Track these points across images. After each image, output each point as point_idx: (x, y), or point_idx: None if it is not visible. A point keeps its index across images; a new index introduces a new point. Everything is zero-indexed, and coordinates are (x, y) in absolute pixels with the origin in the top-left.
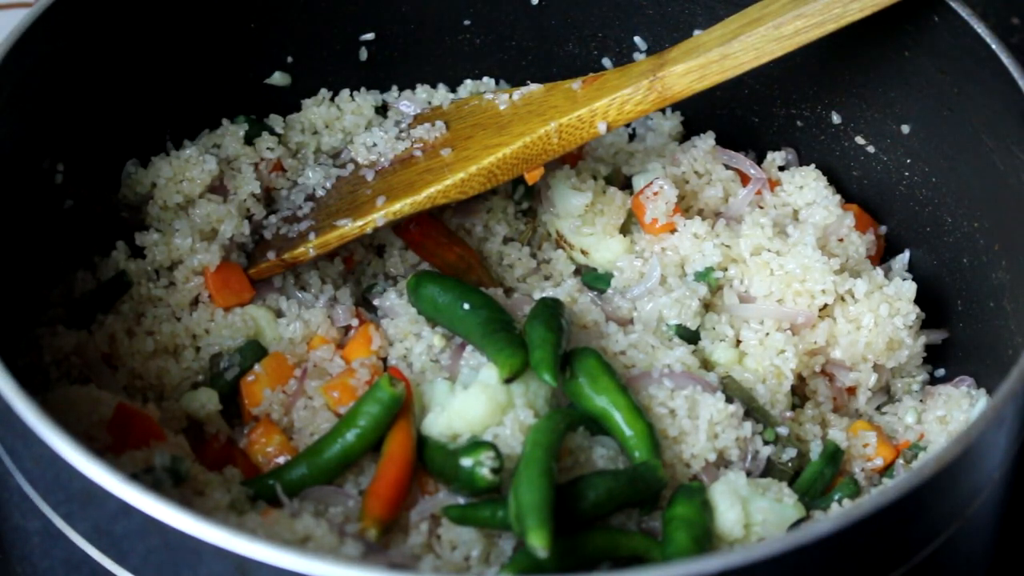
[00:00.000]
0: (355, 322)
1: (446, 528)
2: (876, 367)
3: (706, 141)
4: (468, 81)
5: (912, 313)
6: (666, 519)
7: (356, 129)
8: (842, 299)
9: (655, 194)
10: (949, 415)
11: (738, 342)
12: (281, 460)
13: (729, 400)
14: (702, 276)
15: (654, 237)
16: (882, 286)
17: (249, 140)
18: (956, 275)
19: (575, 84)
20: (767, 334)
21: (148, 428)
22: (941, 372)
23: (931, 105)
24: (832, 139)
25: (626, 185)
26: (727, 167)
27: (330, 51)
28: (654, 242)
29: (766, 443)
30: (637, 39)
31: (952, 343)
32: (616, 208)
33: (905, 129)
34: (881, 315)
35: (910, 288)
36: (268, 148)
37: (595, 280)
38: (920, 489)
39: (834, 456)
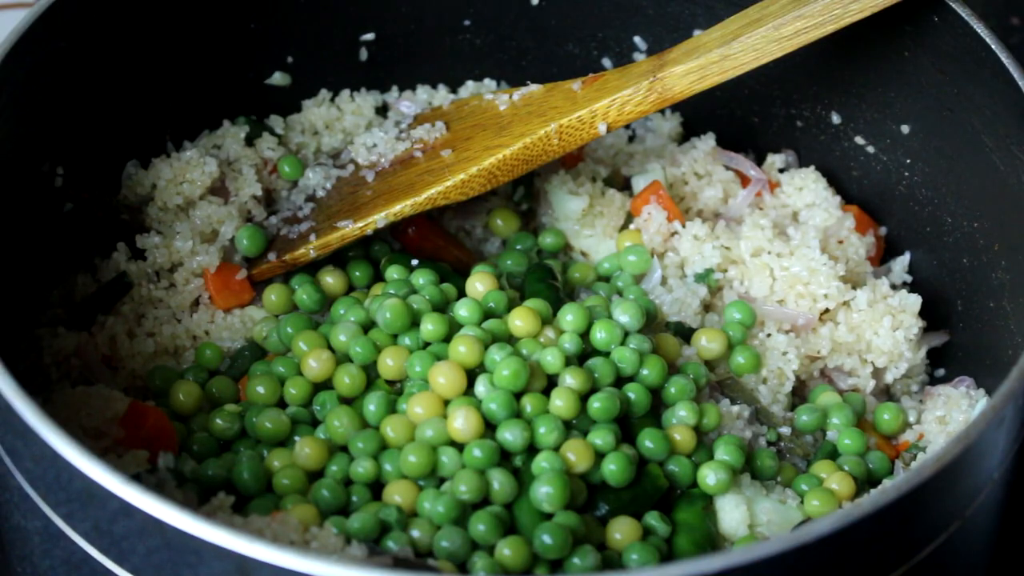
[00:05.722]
0: None
1: None
2: (875, 372)
3: (706, 142)
4: (469, 82)
5: (915, 326)
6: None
7: (356, 130)
8: (846, 304)
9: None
10: (948, 415)
11: None
12: None
13: (733, 401)
14: (702, 277)
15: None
16: (886, 296)
17: (250, 141)
18: (956, 275)
19: (575, 85)
20: (768, 335)
21: (160, 423)
22: (941, 372)
23: (931, 105)
24: (832, 139)
25: (625, 186)
26: (727, 168)
27: (330, 51)
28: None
29: (769, 444)
30: (637, 39)
31: (952, 343)
32: (615, 210)
33: (905, 129)
34: (884, 326)
35: (915, 302)
36: (269, 149)
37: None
38: (920, 489)
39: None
